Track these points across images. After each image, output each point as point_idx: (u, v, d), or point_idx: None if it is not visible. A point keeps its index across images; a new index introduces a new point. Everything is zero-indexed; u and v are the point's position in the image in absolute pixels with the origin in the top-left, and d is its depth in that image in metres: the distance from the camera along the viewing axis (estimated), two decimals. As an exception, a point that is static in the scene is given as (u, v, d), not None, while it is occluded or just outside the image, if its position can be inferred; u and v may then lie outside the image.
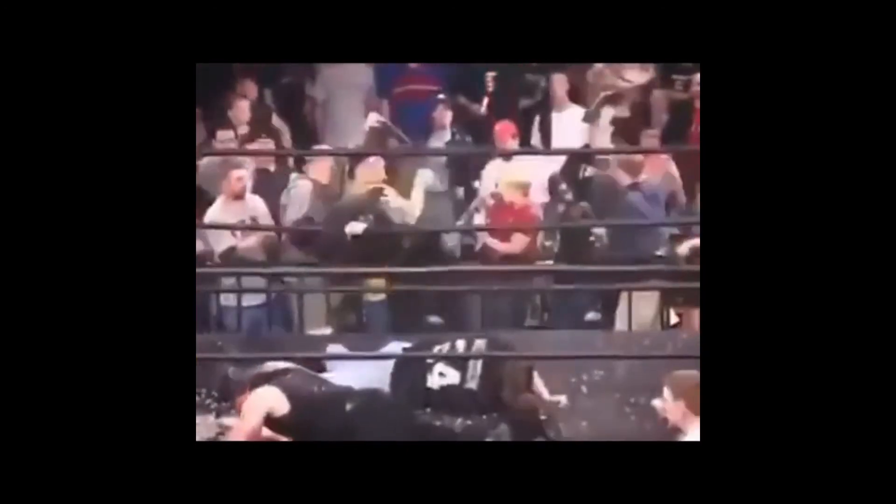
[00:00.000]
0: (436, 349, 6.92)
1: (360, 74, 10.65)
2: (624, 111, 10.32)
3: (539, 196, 9.48)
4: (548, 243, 9.21)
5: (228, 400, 6.69)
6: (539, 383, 6.79)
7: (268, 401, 6.39)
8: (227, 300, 8.83)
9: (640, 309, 8.78)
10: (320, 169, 9.15)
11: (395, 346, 7.04)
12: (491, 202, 9.18)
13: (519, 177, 9.03)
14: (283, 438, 6.40)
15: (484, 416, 6.72)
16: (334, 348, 7.33)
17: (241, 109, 9.75)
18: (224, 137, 9.60)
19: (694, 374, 5.36)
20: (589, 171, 9.53)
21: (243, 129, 9.85)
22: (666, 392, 5.89)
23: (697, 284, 8.13)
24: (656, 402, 5.89)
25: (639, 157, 9.29)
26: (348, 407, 6.43)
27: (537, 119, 10.47)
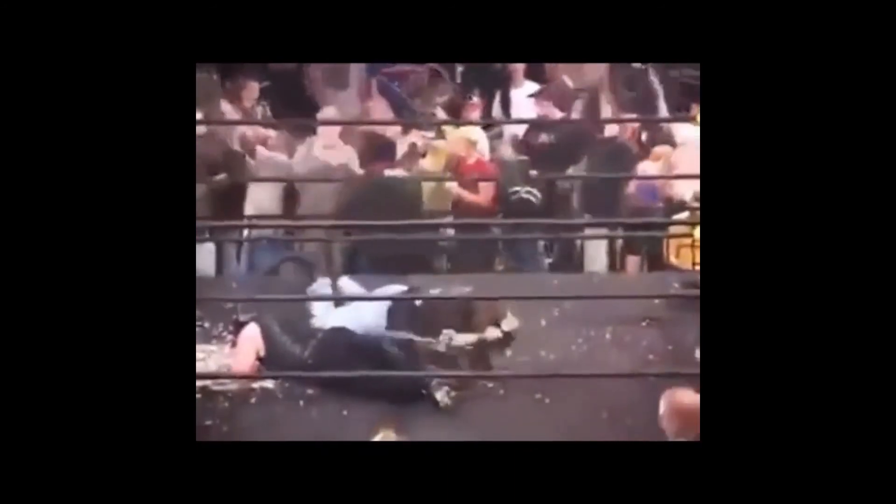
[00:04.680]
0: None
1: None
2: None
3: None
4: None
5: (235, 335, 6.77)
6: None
7: (253, 340, 6.51)
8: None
9: (593, 255, 9.00)
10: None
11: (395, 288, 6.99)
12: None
13: (466, 133, 8.97)
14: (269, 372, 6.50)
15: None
16: (344, 281, 7.24)
17: (252, 89, 9.78)
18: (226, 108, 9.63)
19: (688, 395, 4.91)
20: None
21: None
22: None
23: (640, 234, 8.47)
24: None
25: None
26: (313, 342, 6.46)
27: (499, 94, 10.51)
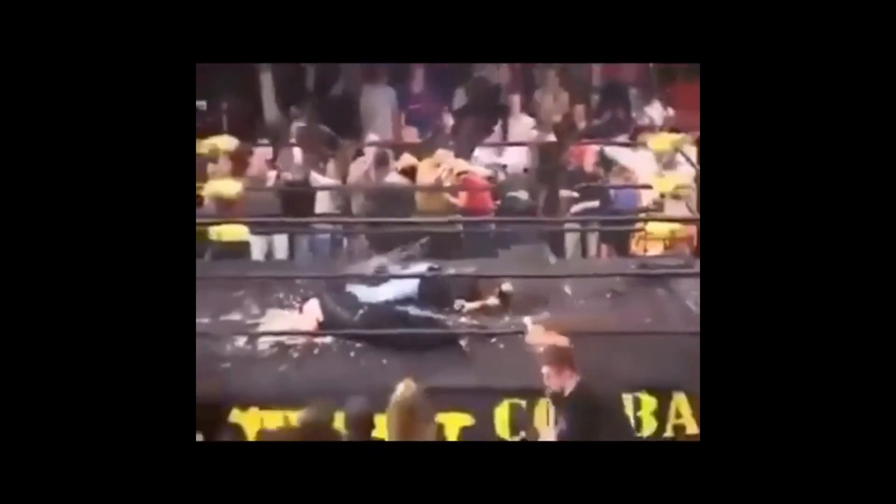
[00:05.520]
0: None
1: (387, 94, 11.70)
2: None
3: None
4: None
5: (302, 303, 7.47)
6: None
7: (314, 310, 7.24)
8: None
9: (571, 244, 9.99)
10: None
11: (422, 267, 7.84)
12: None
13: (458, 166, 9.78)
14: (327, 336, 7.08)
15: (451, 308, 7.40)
16: (379, 260, 7.98)
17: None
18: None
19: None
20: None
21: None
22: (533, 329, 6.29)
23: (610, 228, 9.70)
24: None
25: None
26: (360, 312, 7.21)
27: (500, 123, 11.50)
